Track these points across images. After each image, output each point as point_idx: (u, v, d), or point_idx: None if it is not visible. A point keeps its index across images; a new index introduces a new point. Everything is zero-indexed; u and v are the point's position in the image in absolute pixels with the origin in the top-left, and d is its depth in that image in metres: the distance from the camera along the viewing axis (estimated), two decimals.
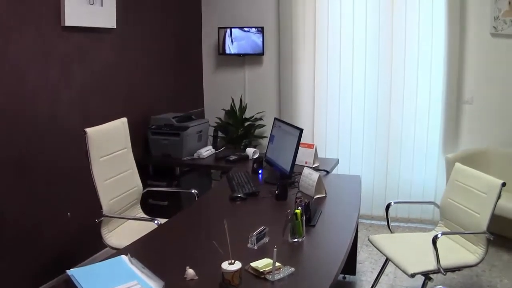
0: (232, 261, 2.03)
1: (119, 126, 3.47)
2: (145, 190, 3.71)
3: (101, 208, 3.17)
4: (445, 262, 2.89)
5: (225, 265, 2.02)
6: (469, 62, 4.71)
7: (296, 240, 2.48)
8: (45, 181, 3.57)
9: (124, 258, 2.23)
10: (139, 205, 3.68)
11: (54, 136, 3.63)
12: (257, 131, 5.48)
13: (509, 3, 4.47)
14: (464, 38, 4.68)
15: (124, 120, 3.52)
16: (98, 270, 2.12)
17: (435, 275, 2.97)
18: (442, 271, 2.85)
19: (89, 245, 3.98)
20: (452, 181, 3.30)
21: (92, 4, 3.85)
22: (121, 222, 3.46)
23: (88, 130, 3.12)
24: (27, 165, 3.40)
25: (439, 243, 2.85)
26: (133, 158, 3.59)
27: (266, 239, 2.48)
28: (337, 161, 4.31)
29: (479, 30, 4.65)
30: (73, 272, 2.07)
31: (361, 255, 4.21)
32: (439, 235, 2.89)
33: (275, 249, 2.09)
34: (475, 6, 4.64)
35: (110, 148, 3.35)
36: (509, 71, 4.61)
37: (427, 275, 2.97)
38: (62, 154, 3.71)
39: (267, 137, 4.99)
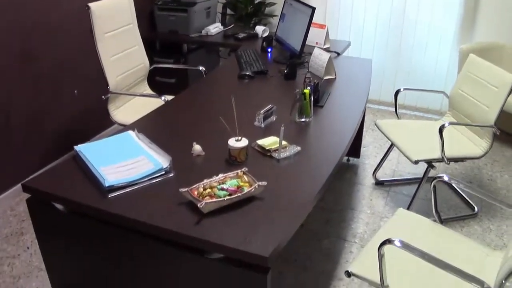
0: (239, 138, 2.03)
1: (124, 1, 3.34)
2: (152, 67, 3.66)
3: (107, 85, 3.15)
4: (450, 152, 2.90)
5: (232, 142, 2.02)
6: None
7: (303, 120, 2.47)
8: (51, 62, 3.50)
9: (131, 133, 2.23)
10: (146, 82, 3.66)
11: (58, 14, 3.51)
12: (267, 10, 5.29)
13: None
14: None
15: None
16: (105, 146, 2.13)
17: (438, 164, 3.00)
18: (446, 161, 2.87)
19: (97, 122, 4.01)
20: (464, 72, 3.22)
21: None
22: (128, 99, 3.45)
23: (91, 5, 3.01)
24: (31, 47, 3.33)
25: (445, 133, 2.84)
26: (139, 34, 3.50)
27: (273, 118, 2.47)
28: (349, 44, 4.20)
29: None
30: (80, 148, 2.09)
31: (366, 139, 4.24)
32: (446, 125, 2.87)
33: (283, 128, 2.09)
34: None
35: (115, 23, 3.25)
36: None
37: (430, 163, 3.00)
38: (67, 32, 3.61)
39: (277, 16, 4.83)
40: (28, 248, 2.89)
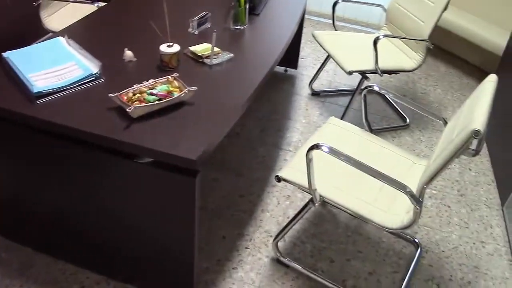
0: (171, 44, 2.01)
1: None
2: None
3: None
4: (383, 64, 2.97)
5: (163, 48, 2.00)
6: None
7: (238, 27, 2.45)
8: None
9: (62, 40, 2.17)
10: None
11: None
12: None
13: None
14: None
15: None
16: (34, 52, 2.06)
17: (372, 75, 3.05)
18: (379, 72, 2.94)
19: (31, 32, 3.83)
20: None
21: None
22: (61, 5, 3.30)
23: None
24: None
25: (380, 46, 2.89)
26: None
27: (207, 25, 2.44)
28: None
29: None
30: (8, 54, 2.02)
31: (304, 51, 4.26)
32: (381, 37, 2.92)
33: (215, 33, 2.08)
34: None
35: None
36: None
37: (364, 74, 3.06)
38: None
39: None
40: None
